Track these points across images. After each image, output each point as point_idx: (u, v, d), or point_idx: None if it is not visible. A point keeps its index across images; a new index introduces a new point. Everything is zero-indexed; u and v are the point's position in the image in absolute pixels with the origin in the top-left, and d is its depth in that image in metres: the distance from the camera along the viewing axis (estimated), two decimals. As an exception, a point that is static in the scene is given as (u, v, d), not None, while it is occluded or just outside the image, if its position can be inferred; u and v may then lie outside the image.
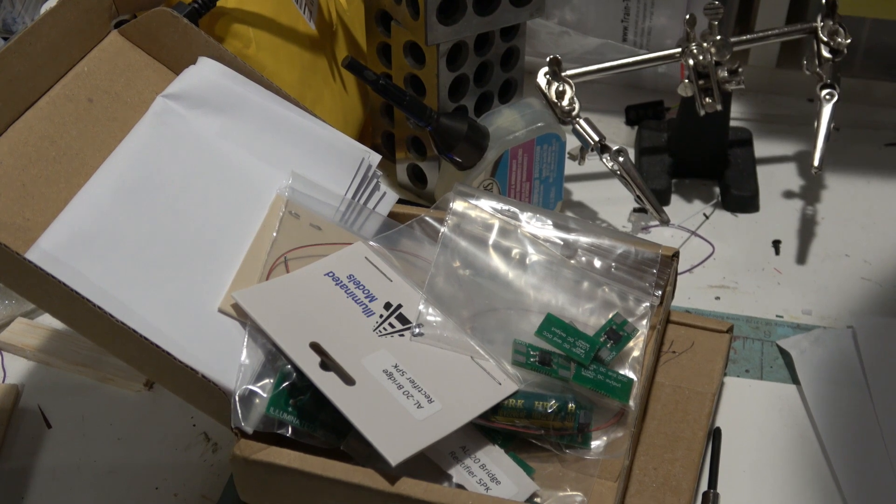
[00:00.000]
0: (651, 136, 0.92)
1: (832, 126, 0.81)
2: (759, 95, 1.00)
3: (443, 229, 0.67)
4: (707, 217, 0.87)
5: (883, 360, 0.71)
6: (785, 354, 0.73)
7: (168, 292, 0.58)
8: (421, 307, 0.63)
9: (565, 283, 0.66)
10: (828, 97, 0.82)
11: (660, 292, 0.67)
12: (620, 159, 0.79)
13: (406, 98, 0.74)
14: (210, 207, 0.63)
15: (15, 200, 0.58)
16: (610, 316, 0.65)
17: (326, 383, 0.56)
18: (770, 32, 0.87)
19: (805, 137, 0.95)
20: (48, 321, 0.76)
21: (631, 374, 0.62)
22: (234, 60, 0.67)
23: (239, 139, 0.66)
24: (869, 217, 0.86)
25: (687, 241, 0.84)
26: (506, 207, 0.68)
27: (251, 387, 0.56)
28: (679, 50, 0.83)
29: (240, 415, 0.55)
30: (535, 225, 0.68)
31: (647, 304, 0.66)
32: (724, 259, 0.82)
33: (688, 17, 0.81)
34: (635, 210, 0.86)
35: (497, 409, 0.59)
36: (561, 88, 0.81)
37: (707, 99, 0.83)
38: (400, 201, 0.70)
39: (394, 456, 0.53)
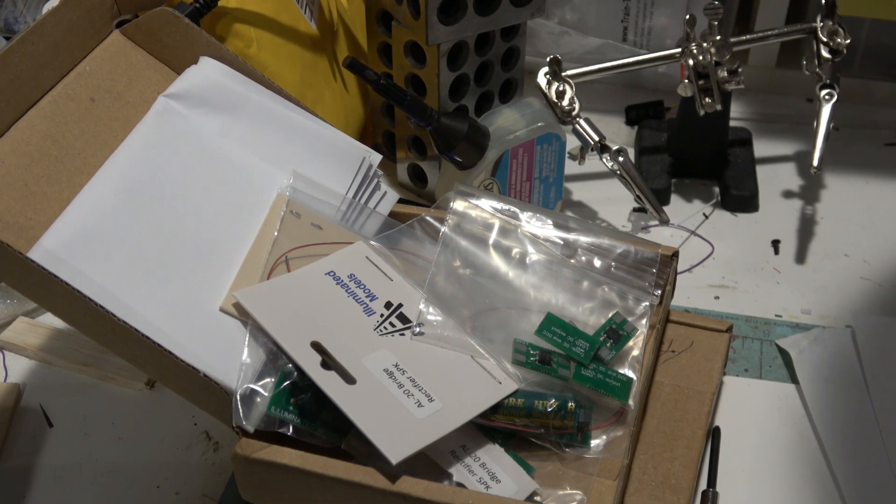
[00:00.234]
0: (651, 136, 0.92)
1: (831, 126, 0.81)
2: (758, 95, 1.00)
3: (443, 229, 0.67)
4: (706, 217, 0.87)
5: (882, 360, 0.71)
6: (784, 354, 0.73)
7: (170, 291, 0.59)
8: (421, 306, 0.63)
9: (565, 283, 0.66)
10: (827, 97, 0.82)
11: (659, 292, 0.67)
12: (620, 159, 0.79)
13: (407, 98, 0.74)
14: (211, 207, 0.63)
15: (17, 199, 0.58)
16: (610, 315, 0.65)
17: (327, 382, 0.56)
18: (770, 32, 0.87)
19: (804, 137, 0.95)
20: (49, 320, 0.76)
21: (630, 374, 0.63)
22: (235, 60, 0.67)
23: (240, 139, 0.66)
24: (868, 217, 0.87)
25: (686, 240, 0.84)
26: (506, 207, 0.69)
27: (252, 386, 0.57)
28: (679, 50, 0.83)
29: (241, 414, 0.56)
30: (536, 224, 0.68)
31: (647, 303, 0.66)
32: (724, 259, 0.82)
33: (688, 17, 0.81)
34: (635, 210, 0.86)
35: (497, 408, 0.60)
36: (561, 88, 0.81)
37: (707, 99, 0.83)
38: (400, 201, 0.71)
39: (394, 455, 0.53)
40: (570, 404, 0.59)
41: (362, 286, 0.63)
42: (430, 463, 0.57)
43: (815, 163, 0.79)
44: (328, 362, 0.58)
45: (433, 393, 0.58)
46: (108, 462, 0.67)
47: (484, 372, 0.61)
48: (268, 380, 0.57)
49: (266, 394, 0.57)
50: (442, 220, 0.67)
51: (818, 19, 0.85)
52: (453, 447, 0.58)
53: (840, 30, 0.84)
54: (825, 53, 0.84)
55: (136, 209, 0.60)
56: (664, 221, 0.82)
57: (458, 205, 0.68)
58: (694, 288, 0.79)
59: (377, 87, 0.73)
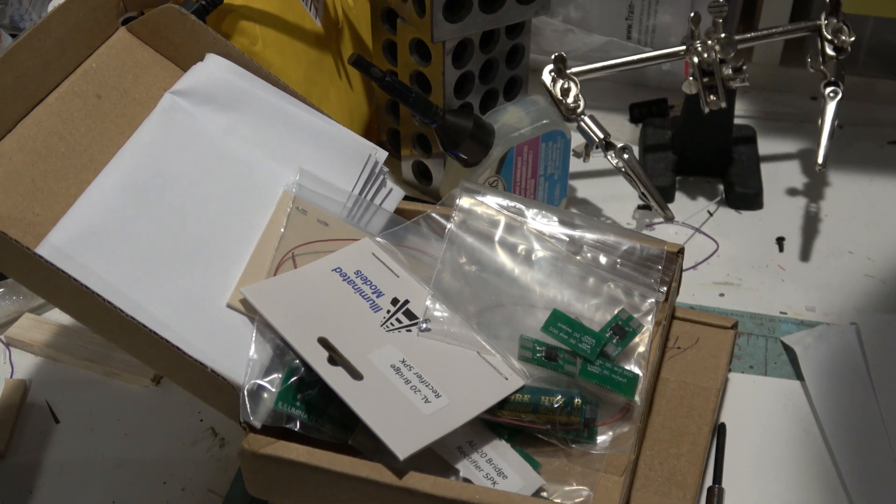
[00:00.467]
0: (655, 134, 0.92)
1: (836, 124, 0.81)
2: (762, 93, 1.00)
3: (449, 225, 0.67)
4: (711, 214, 0.87)
5: (886, 356, 0.71)
6: (789, 350, 0.73)
7: (177, 287, 0.59)
8: (428, 303, 0.63)
9: (571, 279, 0.66)
10: (831, 95, 0.82)
11: (665, 288, 0.67)
12: (625, 156, 0.79)
13: (412, 95, 0.74)
14: (218, 203, 0.63)
15: (24, 196, 0.58)
16: (615, 312, 0.65)
17: (334, 378, 0.56)
18: (774, 30, 0.87)
19: (809, 135, 0.95)
20: (56, 317, 0.76)
21: (636, 370, 0.63)
22: (241, 57, 0.67)
23: (246, 135, 0.66)
24: (872, 214, 0.87)
25: (691, 237, 0.84)
26: (511, 204, 0.69)
27: (260, 381, 0.57)
28: (683, 48, 0.83)
29: (248, 409, 0.56)
30: (541, 221, 0.68)
31: (653, 300, 0.66)
32: (728, 256, 0.82)
33: (692, 14, 0.81)
34: (640, 207, 0.86)
35: (503, 404, 0.60)
36: (566, 86, 0.81)
37: (711, 96, 0.83)
38: (406, 198, 0.71)
39: (401, 450, 0.54)
40: (577, 400, 0.59)
41: (369, 282, 0.63)
42: (437, 458, 0.57)
43: (820, 160, 0.79)
44: (335, 358, 0.58)
45: (440, 389, 0.58)
46: (115, 458, 0.67)
47: (490, 368, 0.61)
48: (275, 375, 0.57)
49: (273, 389, 0.57)
50: (448, 217, 0.68)
51: (822, 17, 0.85)
52: (460, 443, 0.58)
53: (844, 27, 0.84)
54: (829, 51, 0.84)
55: (143, 205, 0.61)
56: (669, 219, 0.82)
57: (464, 201, 0.68)
58: (699, 285, 0.79)
59: (382, 84, 0.74)
